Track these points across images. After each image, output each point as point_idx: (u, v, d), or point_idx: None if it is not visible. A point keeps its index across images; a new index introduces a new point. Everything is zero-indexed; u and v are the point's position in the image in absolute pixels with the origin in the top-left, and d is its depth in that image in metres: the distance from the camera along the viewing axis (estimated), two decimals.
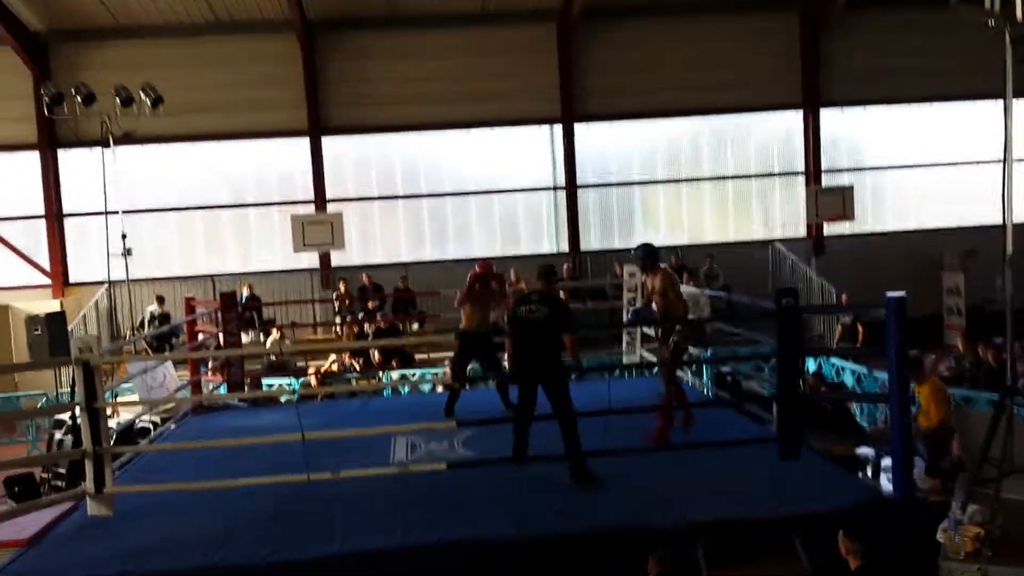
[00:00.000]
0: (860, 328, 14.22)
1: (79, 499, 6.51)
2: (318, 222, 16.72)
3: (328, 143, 17.65)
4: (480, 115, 17.73)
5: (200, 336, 11.78)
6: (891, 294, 6.03)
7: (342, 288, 16.60)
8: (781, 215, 18.73)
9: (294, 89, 17.38)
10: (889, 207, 18.93)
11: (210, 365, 11.58)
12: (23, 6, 16.35)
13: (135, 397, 11.20)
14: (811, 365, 12.42)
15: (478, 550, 5.69)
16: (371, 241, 18.02)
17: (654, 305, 7.93)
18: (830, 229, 18.29)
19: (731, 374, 11.96)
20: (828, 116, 18.49)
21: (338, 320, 16.40)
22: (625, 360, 11.66)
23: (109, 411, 7.53)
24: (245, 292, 15.92)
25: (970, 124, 18.34)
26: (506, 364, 8.93)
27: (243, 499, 6.53)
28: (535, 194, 18.28)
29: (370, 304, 16.04)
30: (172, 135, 16.83)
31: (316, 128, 17.49)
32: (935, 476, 7.73)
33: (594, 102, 17.92)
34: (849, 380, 12.51)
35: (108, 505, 6.27)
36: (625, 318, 11.56)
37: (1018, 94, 6.12)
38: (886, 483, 6.96)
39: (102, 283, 16.02)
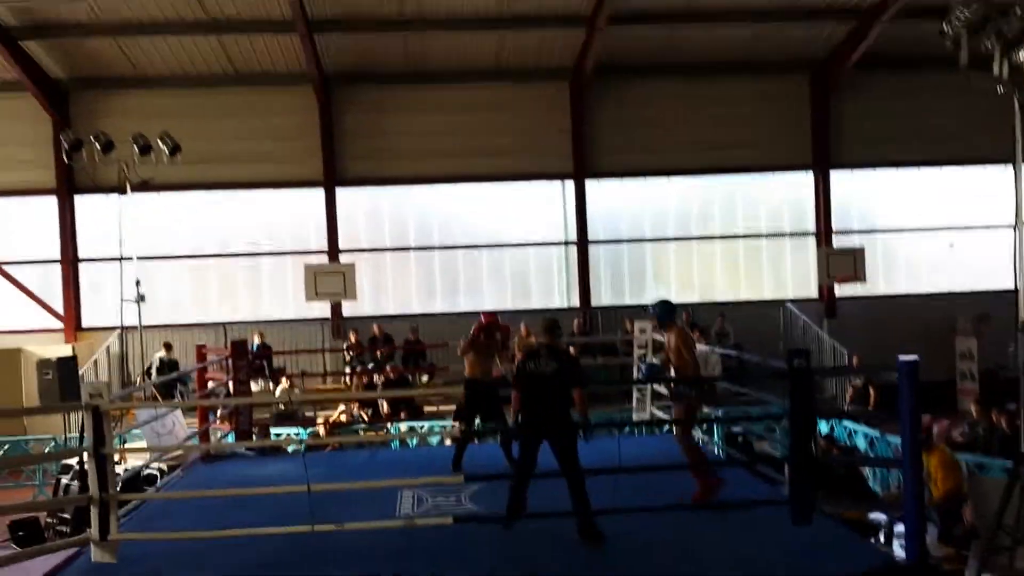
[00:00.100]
0: (872, 391, 14.13)
1: (83, 545, 6.46)
2: (330, 272, 16.83)
3: (342, 194, 17.85)
4: (493, 170, 17.94)
5: (210, 384, 11.77)
6: (904, 358, 6.00)
7: (353, 338, 16.62)
8: (792, 275, 18.75)
9: (310, 140, 17.64)
10: (901, 270, 18.94)
11: (219, 413, 11.55)
12: (45, 54, 16.74)
13: (144, 443, 11.17)
14: (823, 427, 12.31)
15: None
16: (383, 292, 18.10)
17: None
18: (842, 291, 18.28)
19: (743, 434, 11.85)
20: (839, 178, 18.61)
21: (348, 370, 16.38)
22: (635, 417, 11.58)
23: (117, 457, 7.51)
24: (256, 340, 15.95)
25: (981, 188, 18.42)
26: (510, 419, 8.88)
27: (248, 548, 6.47)
28: (546, 249, 18.39)
29: (379, 352, 16.04)
30: (189, 183, 17.05)
31: (331, 179, 17.70)
32: (949, 543, 7.61)
33: (606, 159, 18.11)
34: (861, 443, 12.38)
35: (112, 552, 6.21)
36: (635, 374, 11.51)
37: None
38: (899, 549, 6.86)
39: (114, 328, 16.10)
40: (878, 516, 8.22)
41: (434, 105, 17.77)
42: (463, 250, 18.24)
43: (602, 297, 18.32)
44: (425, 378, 16.34)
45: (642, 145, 18.06)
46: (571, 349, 15.59)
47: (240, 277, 17.99)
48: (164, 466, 10.85)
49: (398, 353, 16.69)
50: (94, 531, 6.18)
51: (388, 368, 15.87)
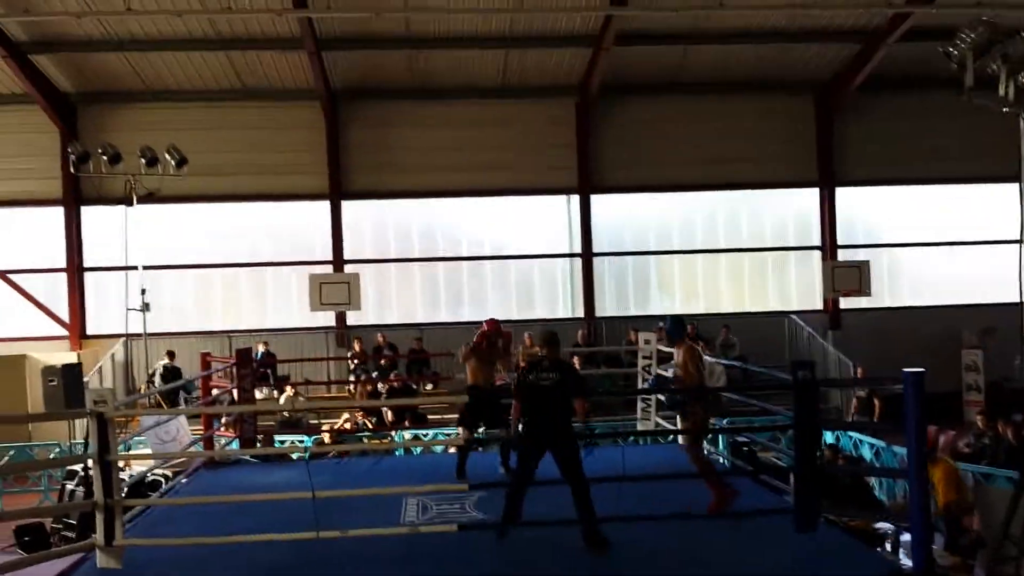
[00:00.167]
0: (877, 402, 14.10)
1: (89, 551, 6.47)
2: (335, 282, 16.87)
3: (348, 207, 17.90)
4: (498, 184, 17.98)
5: (215, 391, 11.80)
6: (909, 369, 6.00)
7: (357, 347, 16.64)
8: (797, 288, 18.75)
9: (316, 154, 17.71)
10: (906, 284, 18.94)
11: (223, 420, 11.57)
12: (54, 68, 16.85)
13: (148, 450, 11.18)
14: (829, 437, 12.29)
15: None
16: (387, 302, 18.12)
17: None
18: (847, 303, 18.26)
19: (748, 444, 11.84)
20: (844, 193, 18.63)
21: (352, 379, 16.39)
22: (639, 427, 11.58)
23: (121, 463, 7.52)
24: (261, 349, 15.98)
25: (986, 204, 18.44)
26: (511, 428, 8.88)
27: (252, 555, 6.47)
28: (551, 260, 18.42)
29: (383, 361, 16.05)
30: (194, 195, 17.11)
31: (337, 192, 17.76)
32: (955, 553, 7.59)
33: (611, 174, 18.15)
34: (867, 454, 12.36)
35: (117, 558, 6.22)
36: (640, 384, 11.50)
37: None
38: (905, 558, 6.84)
39: (119, 336, 16.13)
40: (884, 525, 8.19)
41: (439, 121, 17.84)
42: (467, 261, 18.27)
43: (606, 308, 18.32)
44: (429, 387, 16.34)
45: (647, 161, 18.09)
46: (575, 359, 15.67)
47: (245, 287, 18.02)
48: (168, 472, 10.87)
49: (402, 362, 16.69)
50: (99, 537, 6.19)
51: (392, 376, 15.87)
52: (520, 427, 6.79)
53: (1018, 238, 6.01)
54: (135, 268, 15.31)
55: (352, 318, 17.58)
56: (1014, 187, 6.64)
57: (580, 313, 18.14)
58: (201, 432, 11.04)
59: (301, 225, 18.04)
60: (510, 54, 17.08)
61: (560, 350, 7.07)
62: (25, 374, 15.56)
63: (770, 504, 7.69)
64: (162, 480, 10.65)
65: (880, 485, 11.17)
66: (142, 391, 15.62)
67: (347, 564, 6.33)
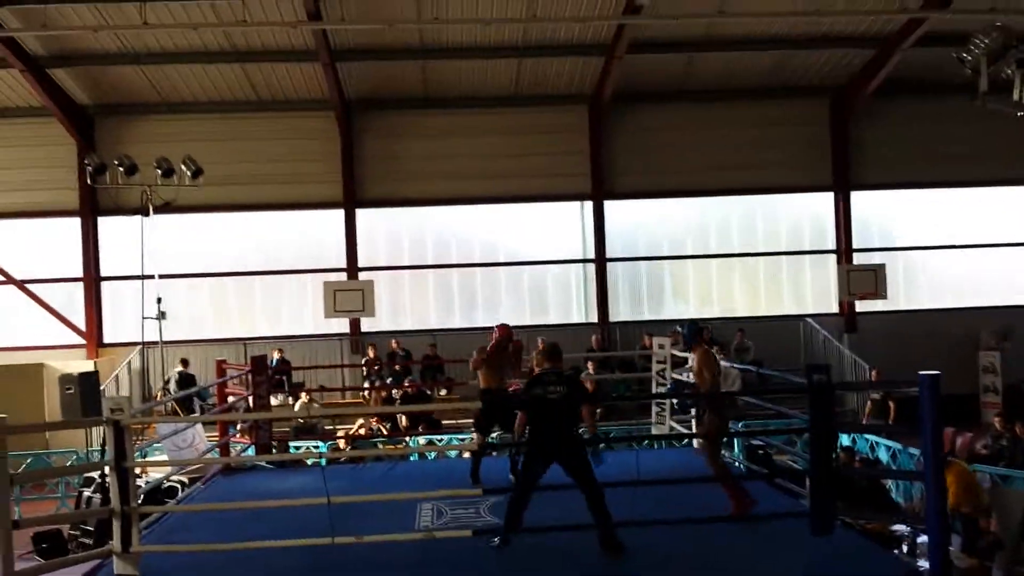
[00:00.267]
0: (891, 405, 14.03)
1: (106, 557, 6.51)
2: (350, 289, 16.93)
3: (362, 215, 17.98)
4: (511, 191, 18.02)
5: (230, 398, 11.84)
6: (925, 372, 5.97)
7: (371, 353, 16.68)
8: (812, 291, 18.69)
9: (331, 163, 17.80)
10: (922, 286, 18.84)
11: (239, 427, 11.61)
12: (72, 82, 17.03)
13: (164, 457, 11.24)
14: (844, 440, 12.23)
15: None
16: (401, 309, 18.18)
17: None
18: (862, 307, 18.18)
19: (763, 447, 11.79)
20: (859, 197, 18.55)
21: (367, 385, 16.45)
22: (654, 431, 11.56)
23: (138, 470, 7.56)
24: (276, 356, 16.05)
25: (1000, 207, 18.39)
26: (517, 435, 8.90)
27: (268, 561, 6.49)
28: (564, 266, 18.42)
29: (397, 367, 16.08)
30: (210, 205, 17.23)
31: (351, 201, 17.84)
32: (972, 554, 7.53)
33: (624, 180, 18.16)
34: (884, 456, 12.29)
35: (134, 564, 6.25)
36: (654, 389, 11.48)
37: None
38: (922, 561, 6.79)
39: (136, 344, 16.25)
40: (901, 528, 8.14)
41: (453, 129, 17.91)
42: (481, 268, 18.30)
43: (620, 313, 18.30)
44: (443, 392, 16.36)
45: (661, 167, 18.09)
46: (589, 364, 15.67)
47: (260, 294, 18.12)
48: (185, 479, 10.92)
49: (416, 367, 16.72)
50: (116, 543, 6.22)
51: (406, 382, 15.91)
52: (525, 437, 6.77)
53: None
54: (151, 277, 15.41)
55: (366, 325, 17.64)
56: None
57: (594, 318, 18.13)
58: (217, 439, 11.09)
59: (316, 233, 18.13)
60: (523, 63, 17.13)
61: (563, 362, 7.07)
62: (43, 382, 15.68)
63: (786, 508, 7.65)
64: (179, 487, 10.70)
65: (897, 487, 11.11)
66: (158, 399, 15.73)
67: (362, 569, 6.33)
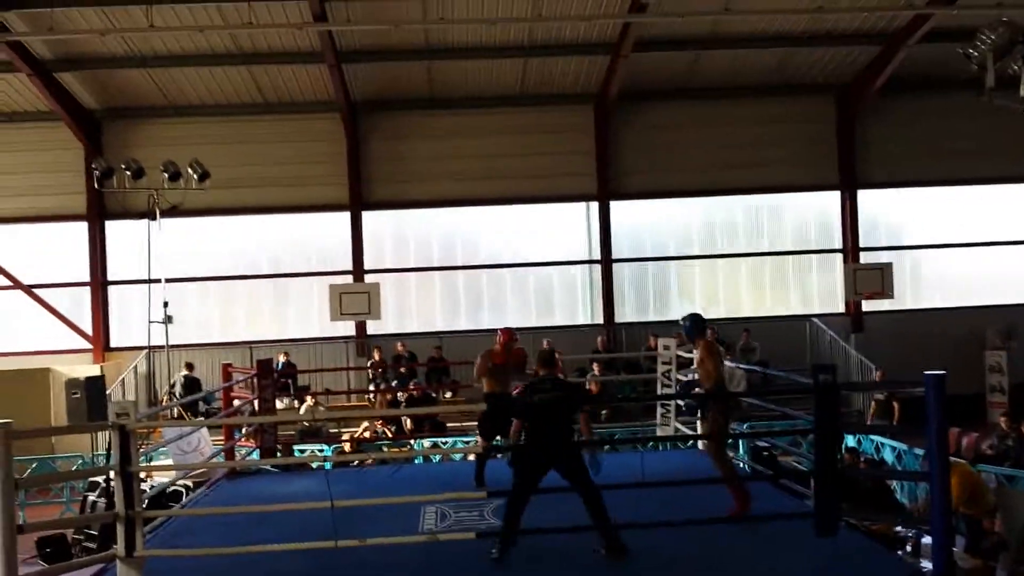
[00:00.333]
0: (895, 405, 13.99)
1: (109, 561, 6.51)
2: (355, 292, 16.94)
3: (368, 217, 17.99)
4: (517, 192, 18.01)
5: (236, 402, 11.86)
6: (930, 372, 5.94)
7: (376, 356, 16.69)
8: (818, 291, 18.64)
9: (337, 166, 17.82)
10: (929, 285, 18.78)
11: (244, 431, 11.63)
12: (79, 86, 17.08)
13: (170, 461, 11.26)
14: (850, 440, 12.20)
15: None
16: (407, 311, 18.18)
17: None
18: (869, 306, 18.11)
19: (768, 448, 11.76)
20: (865, 195, 18.49)
21: (372, 388, 16.45)
22: (659, 432, 11.52)
23: (143, 475, 7.57)
24: (281, 359, 16.07)
25: (1008, 204, 18.32)
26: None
27: (272, 565, 6.49)
28: (570, 267, 18.40)
29: (402, 370, 16.09)
30: (217, 208, 17.25)
31: (357, 203, 17.86)
32: (977, 555, 7.50)
33: (630, 181, 18.14)
34: (889, 457, 12.25)
35: (138, 569, 6.25)
36: (659, 390, 11.45)
37: None
38: (926, 562, 6.76)
39: (142, 348, 16.29)
40: (905, 528, 8.11)
41: (459, 130, 17.92)
42: (487, 269, 18.30)
43: (626, 314, 18.27)
44: (448, 395, 16.37)
45: (667, 167, 18.07)
46: (595, 366, 15.65)
47: (266, 298, 18.14)
48: (190, 483, 10.94)
49: (421, 370, 16.73)
50: (120, 548, 6.21)
51: (411, 385, 15.92)
52: (520, 442, 6.76)
53: None
54: (158, 281, 15.45)
55: (372, 327, 17.64)
56: None
57: (600, 319, 18.11)
58: (222, 442, 11.11)
59: (321, 236, 18.15)
60: (528, 63, 17.13)
61: (557, 367, 7.05)
62: (49, 387, 15.74)
63: (790, 508, 7.63)
64: (183, 491, 10.72)
65: (901, 488, 11.07)
66: (163, 403, 15.77)
67: (366, 573, 6.33)
